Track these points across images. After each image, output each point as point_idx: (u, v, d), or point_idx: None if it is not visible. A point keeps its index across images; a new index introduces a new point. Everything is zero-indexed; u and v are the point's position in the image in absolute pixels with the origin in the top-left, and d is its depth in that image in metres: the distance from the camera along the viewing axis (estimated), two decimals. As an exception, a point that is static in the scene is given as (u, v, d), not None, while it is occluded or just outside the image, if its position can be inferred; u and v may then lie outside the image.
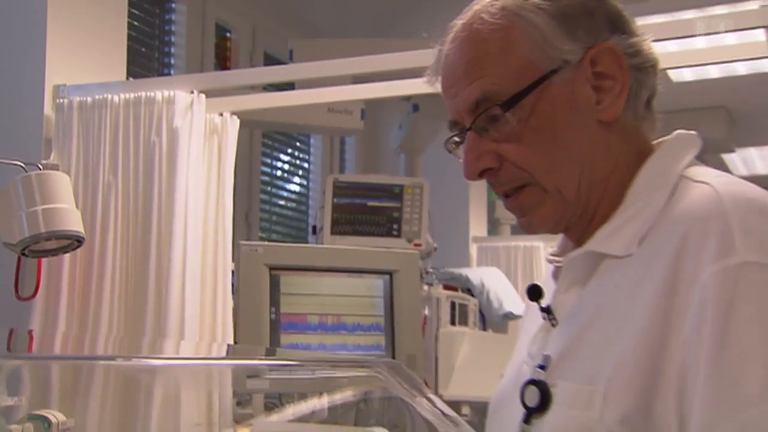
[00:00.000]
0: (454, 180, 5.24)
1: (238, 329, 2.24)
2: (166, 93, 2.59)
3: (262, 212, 4.76)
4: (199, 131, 2.59)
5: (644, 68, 1.15)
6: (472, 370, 3.69)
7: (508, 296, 4.69)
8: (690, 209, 1.04)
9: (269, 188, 4.89)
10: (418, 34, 4.95)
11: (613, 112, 1.13)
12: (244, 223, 4.52)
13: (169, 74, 4.13)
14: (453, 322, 3.87)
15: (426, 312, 3.73)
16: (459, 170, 4.45)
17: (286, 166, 5.14)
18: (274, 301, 2.07)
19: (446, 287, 3.95)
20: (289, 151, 5.15)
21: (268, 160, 4.89)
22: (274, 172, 4.96)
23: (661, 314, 1.00)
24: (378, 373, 1.13)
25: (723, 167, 7.33)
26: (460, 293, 4.02)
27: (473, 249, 5.12)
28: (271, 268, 2.11)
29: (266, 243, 2.71)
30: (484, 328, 4.56)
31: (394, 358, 2.15)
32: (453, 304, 3.89)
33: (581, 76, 1.12)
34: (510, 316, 4.63)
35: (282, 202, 5.07)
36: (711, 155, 6.59)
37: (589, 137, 1.13)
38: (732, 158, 7.59)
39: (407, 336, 2.13)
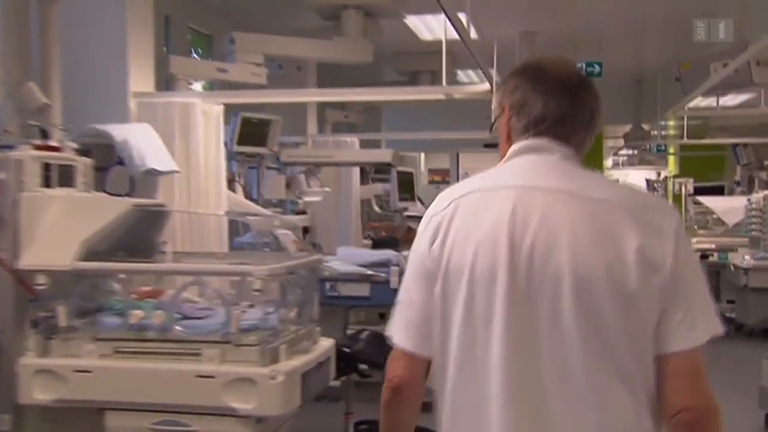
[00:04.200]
0: (109, 34, 4.19)
1: None
2: None
3: None
4: None
5: None
6: (56, 235, 2.74)
7: (154, 153, 3.74)
8: None
9: None
10: None
11: None
12: None
13: None
14: (48, 185, 2.88)
15: (2, 175, 2.73)
16: (115, 24, 3.60)
17: None
18: None
19: (40, 147, 2.93)
20: None
21: None
22: None
23: None
24: None
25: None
26: (59, 154, 3.01)
27: (133, 104, 4.06)
28: None
29: None
30: (133, 189, 3.64)
31: None
32: (47, 166, 2.89)
33: None
34: (153, 173, 3.70)
35: None
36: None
37: None
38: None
39: None
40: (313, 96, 4.14)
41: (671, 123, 10.71)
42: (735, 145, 8.79)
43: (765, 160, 8.55)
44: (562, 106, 1.39)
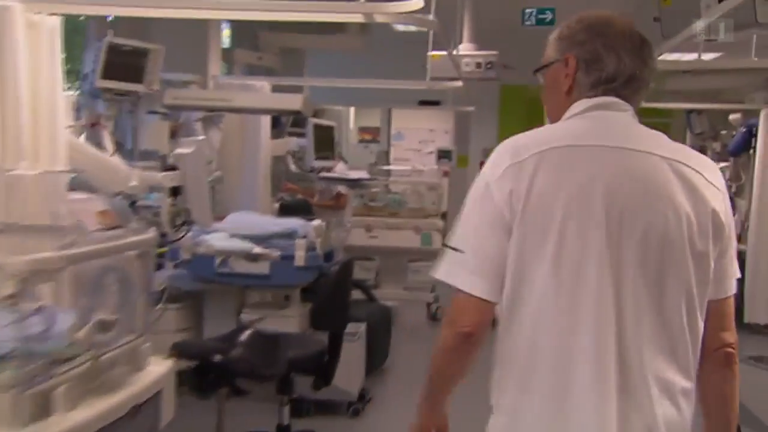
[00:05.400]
0: None
1: None
2: None
3: None
4: None
5: None
6: None
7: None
8: None
9: None
10: None
11: None
12: None
13: None
14: None
15: None
16: None
17: None
18: None
19: None
20: None
21: None
22: None
23: None
24: None
25: None
26: None
27: None
28: None
29: None
30: None
31: None
32: None
33: None
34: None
35: None
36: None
37: None
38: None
39: None
40: (184, 5, 2.95)
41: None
42: (689, 112, 7.93)
43: (721, 129, 7.72)
44: (633, 66, 1.42)
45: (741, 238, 7.02)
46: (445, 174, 8.99)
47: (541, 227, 1.33)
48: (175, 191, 3.19)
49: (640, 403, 1.32)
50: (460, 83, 5.41)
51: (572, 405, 1.31)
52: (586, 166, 1.34)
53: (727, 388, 1.47)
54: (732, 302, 1.45)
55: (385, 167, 8.39)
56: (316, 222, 4.39)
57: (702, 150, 8.21)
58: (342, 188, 5.89)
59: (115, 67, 3.94)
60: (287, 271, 4.16)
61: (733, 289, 1.45)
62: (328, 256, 4.64)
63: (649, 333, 1.33)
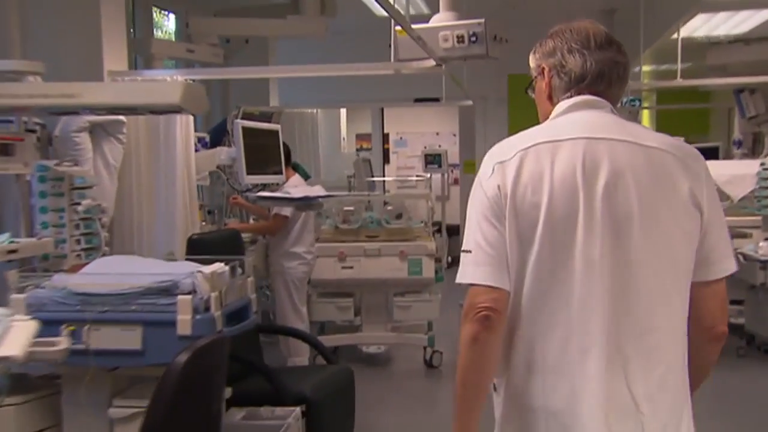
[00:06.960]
0: None
1: None
2: None
3: None
4: None
5: None
6: None
7: None
8: None
9: None
10: None
11: None
12: None
13: None
14: None
15: None
16: None
17: None
18: None
19: None
20: None
21: None
22: None
23: None
24: None
25: None
26: None
27: None
28: None
29: None
30: None
31: None
32: None
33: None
34: None
35: None
36: None
37: None
38: None
39: None
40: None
41: (646, 69, 8.24)
42: (739, 91, 6.31)
43: (781, 110, 6.09)
44: (600, 64, 1.52)
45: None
46: (456, 182, 7.49)
47: (532, 216, 1.42)
48: None
49: (623, 375, 1.40)
50: (432, 62, 3.92)
51: (569, 376, 1.41)
52: (566, 157, 1.43)
53: (711, 360, 1.54)
54: (723, 286, 1.49)
55: (370, 179, 6.90)
56: (212, 267, 2.92)
57: (756, 137, 6.57)
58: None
59: None
60: (167, 343, 2.71)
61: (723, 272, 1.49)
62: (241, 312, 3.18)
63: (631, 308, 1.41)
